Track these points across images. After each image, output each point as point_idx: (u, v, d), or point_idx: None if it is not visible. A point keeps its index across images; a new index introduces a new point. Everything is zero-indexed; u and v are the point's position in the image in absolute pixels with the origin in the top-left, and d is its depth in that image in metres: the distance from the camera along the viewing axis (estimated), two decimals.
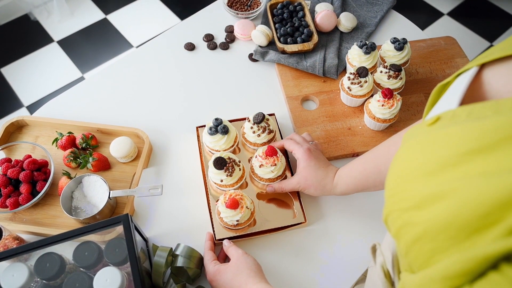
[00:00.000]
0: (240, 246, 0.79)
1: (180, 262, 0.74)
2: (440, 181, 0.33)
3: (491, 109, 0.33)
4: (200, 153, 0.92)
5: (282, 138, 0.94)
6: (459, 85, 0.39)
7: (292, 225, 0.83)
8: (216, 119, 0.87)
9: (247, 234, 0.81)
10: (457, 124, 0.35)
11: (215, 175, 0.82)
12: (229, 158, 0.83)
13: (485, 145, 0.31)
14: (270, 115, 0.97)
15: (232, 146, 0.88)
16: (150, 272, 0.75)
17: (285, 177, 0.87)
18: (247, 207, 0.78)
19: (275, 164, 0.83)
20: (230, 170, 0.81)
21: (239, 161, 0.84)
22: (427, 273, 0.32)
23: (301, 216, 0.84)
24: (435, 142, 0.36)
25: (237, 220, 0.77)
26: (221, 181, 0.82)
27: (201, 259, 0.77)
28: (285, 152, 0.92)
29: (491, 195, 0.28)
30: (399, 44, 0.98)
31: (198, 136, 0.94)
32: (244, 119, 0.96)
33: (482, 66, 0.40)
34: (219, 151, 0.87)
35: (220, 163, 0.81)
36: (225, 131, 0.86)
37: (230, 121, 0.95)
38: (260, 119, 0.87)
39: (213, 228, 0.82)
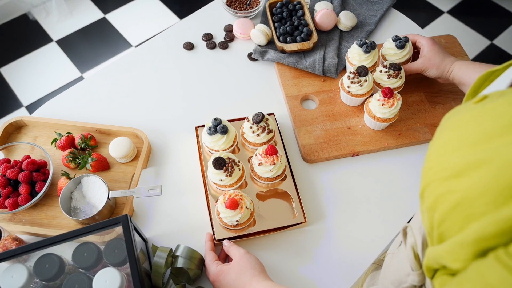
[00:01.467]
0: (240, 246, 0.79)
1: (180, 263, 0.73)
2: (483, 149, 0.32)
3: None
4: (199, 153, 0.92)
5: (281, 138, 0.93)
6: (510, 74, 0.39)
7: (292, 225, 0.83)
8: (215, 119, 0.86)
9: (247, 234, 0.81)
10: (504, 98, 0.34)
11: (215, 175, 0.82)
12: (229, 158, 0.82)
13: None
14: (269, 114, 0.97)
15: (232, 146, 0.88)
16: (149, 273, 0.75)
17: (284, 176, 0.87)
18: (246, 207, 0.78)
19: (274, 163, 0.82)
20: (230, 170, 0.81)
21: (239, 161, 0.84)
22: (458, 238, 0.32)
23: (301, 216, 0.83)
24: (481, 115, 0.35)
25: (237, 221, 0.77)
26: (221, 181, 0.82)
27: (201, 260, 0.77)
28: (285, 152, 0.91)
29: None
30: (401, 43, 0.98)
31: (197, 136, 0.94)
32: (244, 118, 0.96)
33: None
34: (219, 151, 0.87)
35: (220, 163, 0.81)
36: (224, 131, 0.85)
37: (230, 120, 0.95)
38: (260, 118, 0.87)
39: (212, 228, 0.82)
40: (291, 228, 0.83)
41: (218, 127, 0.85)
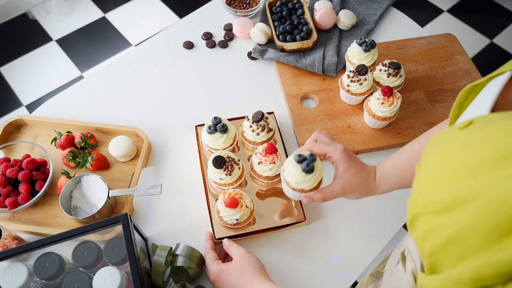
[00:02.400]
0: (240, 245, 0.79)
1: (180, 261, 0.74)
2: (471, 183, 0.32)
3: None
4: (199, 152, 0.92)
5: (281, 137, 0.93)
6: (492, 89, 0.38)
7: (292, 224, 0.83)
8: (215, 118, 0.86)
9: (247, 233, 0.81)
10: (491, 128, 0.34)
11: (215, 174, 0.82)
12: (228, 157, 0.82)
13: None
14: (269, 113, 0.97)
15: (231, 145, 0.88)
16: (149, 271, 0.75)
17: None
18: (246, 206, 0.78)
19: (274, 162, 0.82)
20: (230, 169, 0.81)
21: (238, 160, 0.84)
22: (453, 273, 0.32)
23: (300, 215, 0.83)
24: (468, 146, 0.35)
25: (237, 219, 0.77)
26: (221, 180, 0.82)
27: (201, 259, 0.77)
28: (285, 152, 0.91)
29: None
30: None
31: (197, 135, 0.94)
32: (243, 117, 0.96)
33: None
34: (218, 150, 0.87)
35: (219, 162, 0.81)
36: (224, 130, 0.86)
37: (229, 119, 0.95)
38: (259, 117, 0.87)
39: (212, 227, 0.82)
40: (291, 227, 0.83)
41: (218, 126, 0.85)
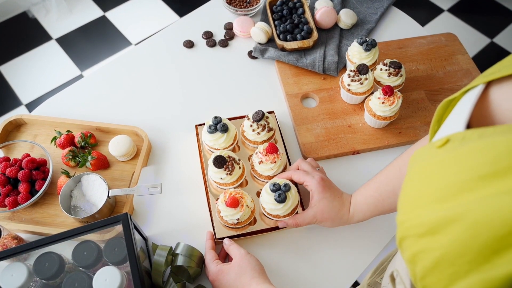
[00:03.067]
0: (241, 244, 0.79)
1: (180, 261, 0.73)
2: (454, 205, 0.32)
3: (503, 132, 0.32)
4: (199, 151, 0.92)
5: (282, 136, 0.93)
6: (466, 103, 0.38)
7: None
8: (215, 117, 0.86)
9: (248, 233, 0.81)
10: (468, 146, 0.34)
11: (215, 174, 0.82)
12: (229, 157, 0.82)
13: (500, 169, 0.30)
14: (269, 112, 0.97)
15: (232, 144, 0.88)
16: (149, 271, 0.75)
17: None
18: (247, 205, 0.77)
19: (275, 162, 0.82)
20: (230, 169, 0.81)
21: (239, 160, 0.84)
22: None
23: None
24: (447, 166, 0.35)
25: (238, 219, 0.77)
26: (221, 179, 0.82)
27: (201, 258, 0.77)
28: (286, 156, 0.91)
29: (507, 214, 0.27)
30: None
31: (197, 135, 0.94)
32: (244, 117, 0.96)
33: (489, 84, 0.38)
34: (219, 149, 0.87)
35: (220, 162, 0.81)
36: (225, 129, 0.85)
37: (230, 119, 0.95)
38: (260, 117, 0.87)
39: (213, 227, 0.82)
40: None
41: (218, 126, 0.85)
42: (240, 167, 0.83)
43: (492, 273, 0.28)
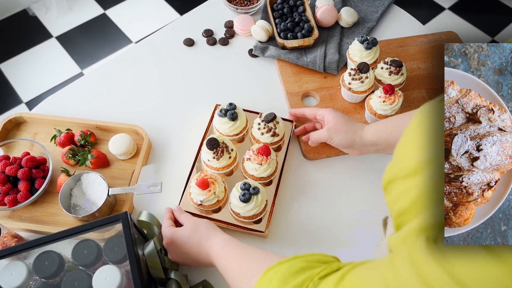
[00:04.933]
0: None
1: (145, 219, 0.76)
2: (436, 148, 0.37)
3: None
4: (207, 129, 0.93)
5: (287, 148, 0.90)
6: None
7: (252, 230, 0.80)
8: (231, 104, 0.88)
9: (208, 218, 0.81)
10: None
11: (205, 154, 0.84)
12: (223, 143, 0.83)
13: None
14: (286, 120, 0.94)
15: (238, 134, 0.89)
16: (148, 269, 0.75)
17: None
18: (215, 193, 0.78)
19: (261, 164, 0.81)
20: (219, 154, 0.82)
21: (232, 149, 0.84)
22: (409, 226, 0.37)
23: (263, 225, 0.81)
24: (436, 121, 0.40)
25: (201, 201, 0.78)
26: (208, 161, 0.83)
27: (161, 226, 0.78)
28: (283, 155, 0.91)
29: None
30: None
31: (213, 113, 0.95)
32: (257, 113, 0.95)
33: None
34: (223, 134, 0.88)
35: (212, 144, 0.82)
36: (233, 118, 0.86)
37: (247, 111, 0.94)
38: (270, 118, 0.87)
39: (182, 196, 0.83)
40: (250, 232, 0.81)
41: (228, 113, 0.86)
42: (230, 157, 0.84)
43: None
